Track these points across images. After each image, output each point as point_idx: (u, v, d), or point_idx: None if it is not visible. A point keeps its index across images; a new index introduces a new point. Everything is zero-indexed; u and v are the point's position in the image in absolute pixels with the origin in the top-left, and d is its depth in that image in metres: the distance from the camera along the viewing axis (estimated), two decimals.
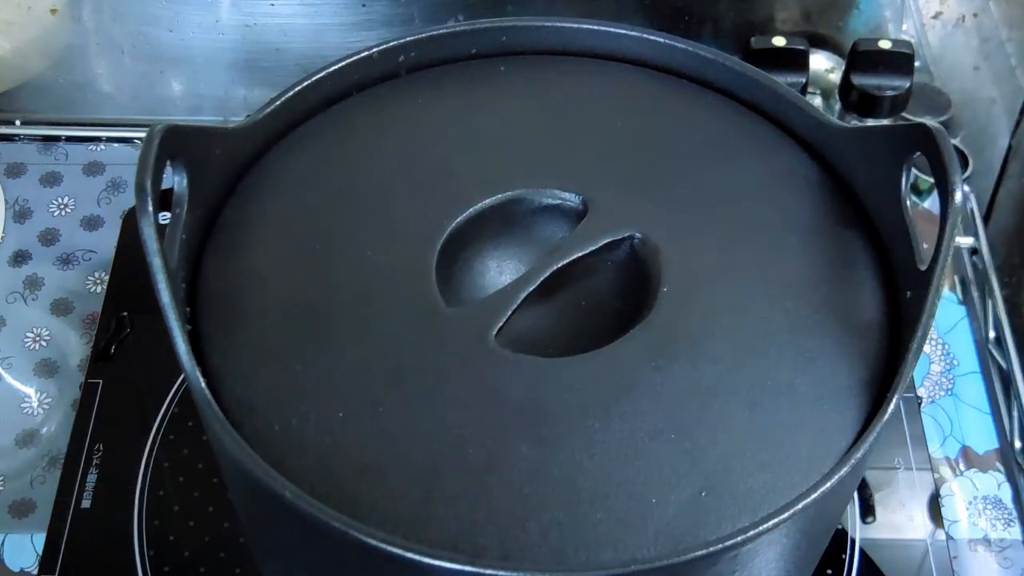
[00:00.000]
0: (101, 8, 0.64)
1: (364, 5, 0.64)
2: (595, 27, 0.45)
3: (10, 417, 0.56)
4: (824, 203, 0.41)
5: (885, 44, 0.62)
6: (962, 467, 0.55)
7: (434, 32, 0.44)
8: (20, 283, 0.61)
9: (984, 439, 0.56)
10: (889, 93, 0.62)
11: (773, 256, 0.39)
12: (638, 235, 0.39)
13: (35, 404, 0.56)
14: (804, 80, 0.63)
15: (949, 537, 0.52)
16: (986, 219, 0.64)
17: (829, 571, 0.50)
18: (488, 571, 0.31)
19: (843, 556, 0.50)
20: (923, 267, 0.36)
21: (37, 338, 0.59)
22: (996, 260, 0.62)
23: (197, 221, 0.38)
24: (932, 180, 0.38)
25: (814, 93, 0.66)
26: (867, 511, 0.52)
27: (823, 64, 0.67)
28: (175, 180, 0.36)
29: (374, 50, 0.43)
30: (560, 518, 0.33)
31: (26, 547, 0.51)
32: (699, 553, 0.31)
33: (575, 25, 0.45)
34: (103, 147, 0.67)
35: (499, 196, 0.40)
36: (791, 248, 0.39)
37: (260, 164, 0.41)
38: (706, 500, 0.33)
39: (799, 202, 0.41)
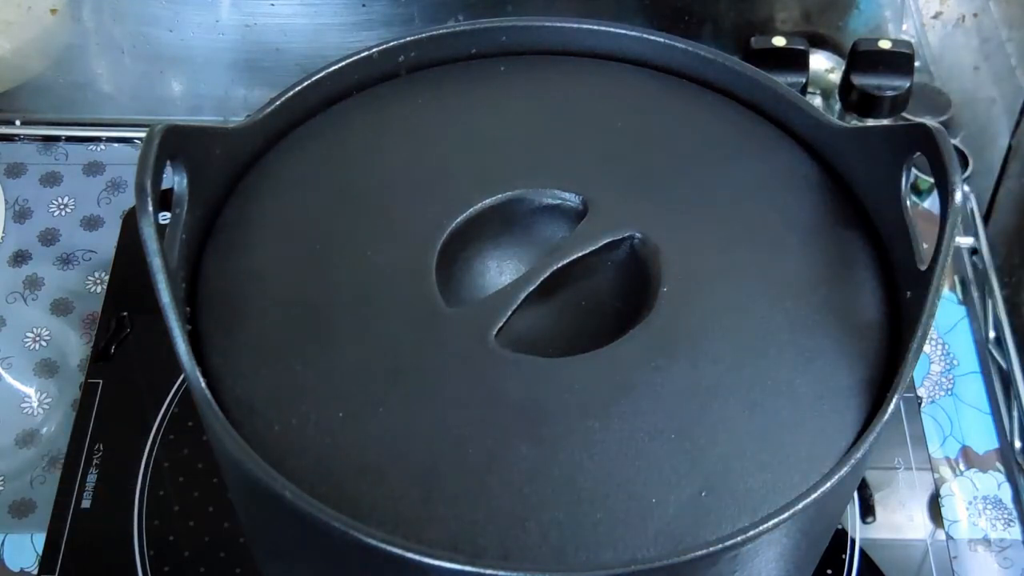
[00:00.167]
0: (101, 8, 0.64)
1: (364, 5, 0.64)
2: (595, 27, 0.45)
3: (10, 417, 0.56)
4: (824, 203, 0.41)
5: (885, 44, 0.62)
6: (962, 467, 0.55)
7: (434, 32, 0.44)
8: (20, 283, 0.61)
9: (984, 439, 0.56)
10: (889, 93, 0.62)
11: (773, 256, 0.39)
12: (638, 235, 0.39)
13: (35, 404, 0.56)
14: (804, 80, 0.63)
15: (949, 537, 0.52)
16: (986, 219, 0.64)
17: (829, 571, 0.50)
18: (488, 571, 0.31)
19: (843, 556, 0.50)
20: (923, 267, 0.36)
21: (37, 338, 0.59)
22: (996, 260, 0.62)
23: (197, 221, 0.38)
24: (932, 180, 0.38)
25: (814, 93, 0.66)
26: (867, 511, 0.52)
27: (823, 64, 0.67)
28: (175, 180, 0.36)
29: (374, 50, 0.43)
30: (560, 518, 0.33)
31: (26, 547, 0.51)
32: (699, 553, 0.31)
33: (575, 25, 0.45)
34: (103, 147, 0.67)
35: (499, 196, 0.40)
36: (791, 248, 0.39)
37: (260, 164, 0.41)
38: (706, 500, 0.33)
39: (799, 202, 0.41)
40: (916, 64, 0.63)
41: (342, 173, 0.41)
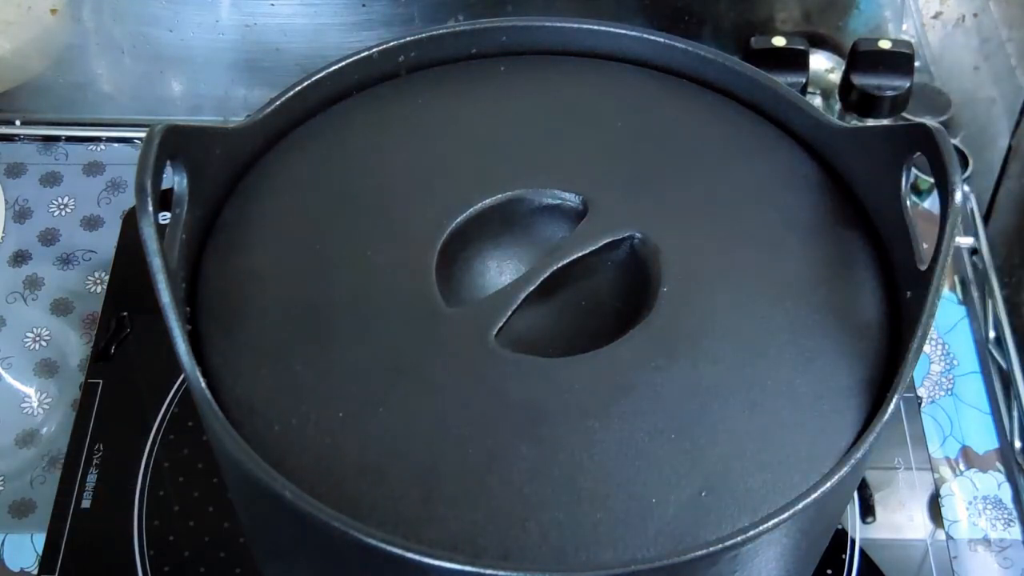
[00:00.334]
0: (101, 8, 0.64)
1: (364, 5, 0.64)
2: (595, 27, 0.45)
3: (10, 417, 0.56)
4: (824, 203, 0.41)
5: (885, 44, 0.62)
6: (962, 467, 0.55)
7: (434, 32, 0.44)
8: (20, 283, 0.61)
9: (984, 439, 0.56)
10: (889, 93, 0.62)
11: (773, 256, 0.39)
12: (638, 235, 0.39)
13: (35, 404, 0.56)
14: (804, 80, 0.63)
15: (949, 537, 0.52)
16: (986, 219, 0.64)
17: (829, 571, 0.50)
18: (488, 571, 0.31)
19: (843, 556, 0.50)
20: (923, 267, 0.36)
21: (37, 338, 0.59)
22: (996, 260, 0.62)
23: (197, 221, 0.38)
24: (932, 180, 0.38)
25: (814, 93, 0.66)
26: (867, 511, 0.52)
27: (823, 64, 0.67)
28: (175, 180, 0.36)
29: (374, 50, 0.43)
30: (560, 518, 0.33)
31: (26, 547, 0.51)
32: (699, 553, 0.31)
33: (575, 25, 0.45)
34: (103, 147, 0.67)
35: (499, 196, 0.40)
36: (791, 248, 0.39)
37: (260, 164, 0.41)
38: (706, 500, 0.33)
39: (799, 202, 0.41)
40: (916, 64, 0.63)
41: (342, 173, 0.41)
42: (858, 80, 0.62)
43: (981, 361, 0.59)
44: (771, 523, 0.32)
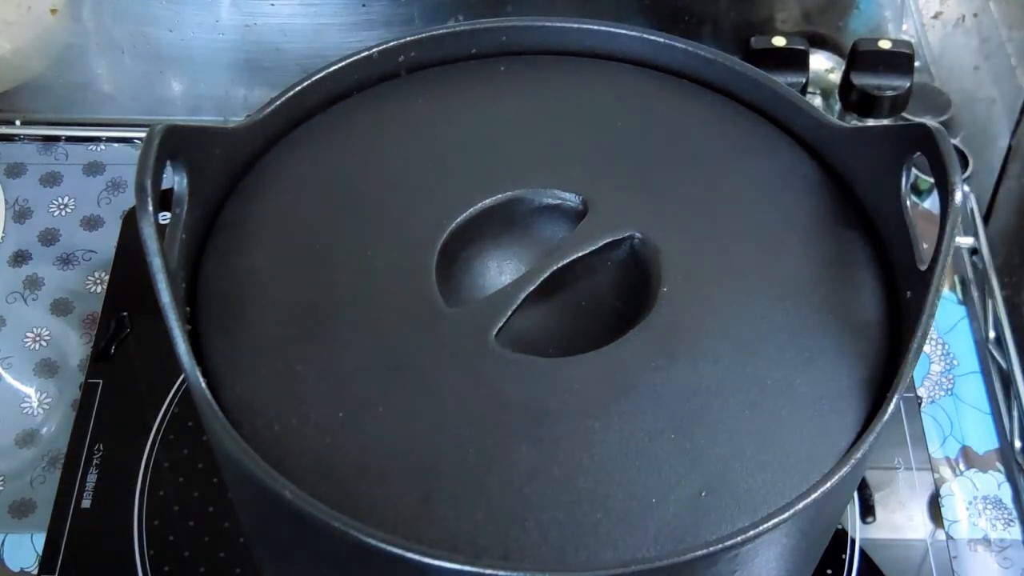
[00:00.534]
0: (101, 8, 0.64)
1: (364, 5, 0.64)
2: (595, 27, 0.45)
3: (10, 417, 0.56)
4: (824, 203, 0.41)
5: (885, 44, 0.62)
6: (962, 467, 0.55)
7: (434, 32, 0.44)
8: (20, 283, 0.61)
9: (984, 439, 0.56)
10: (889, 93, 0.62)
11: (773, 256, 0.39)
12: (638, 235, 0.39)
13: (35, 404, 0.56)
14: (804, 80, 0.63)
15: (949, 537, 0.52)
16: (986, 219, 0.64)
17: (829, 571, 0.50)
18: (488, 571, 0.31)
19: (843, 556, 0.50)
20: (923, 267, 0.36)
21: (37, 338, 0.59)
22: (996, 260, 0.62)
23: (197, 221, 0.38)
24: (932, 180, 0.38)
25: (814, 93, 0.66)
26: (867, 511, 0.52)
27: (823, 64, 0.67)
28: (175, 180, 0.36)
29: (374, 50, 0.43)
30: (560, 518, 0.32)
31: (26, 547, 0.51)
32: (699, 553, 0.31)
33: (575, 25, 0.45)
34: (103, 147, 0.67)
35: (499, 196, 0.40)
36: (791, 248, 0.39)
37: (260, 164, 0.41)
38: (706, 500, 0.33)
39: (799, 202, 0.41)
40: (916, 64, 0.63)
41: (342, 173, 0.41)
42: (858, 80, 0.62)
43: (981, 361, 0.59)
44: (771, 523, 0.32)
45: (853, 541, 0.51)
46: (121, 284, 0.59)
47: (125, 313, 0.58)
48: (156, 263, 0.33)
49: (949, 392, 0.58)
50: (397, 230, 0.39)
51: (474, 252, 0.40)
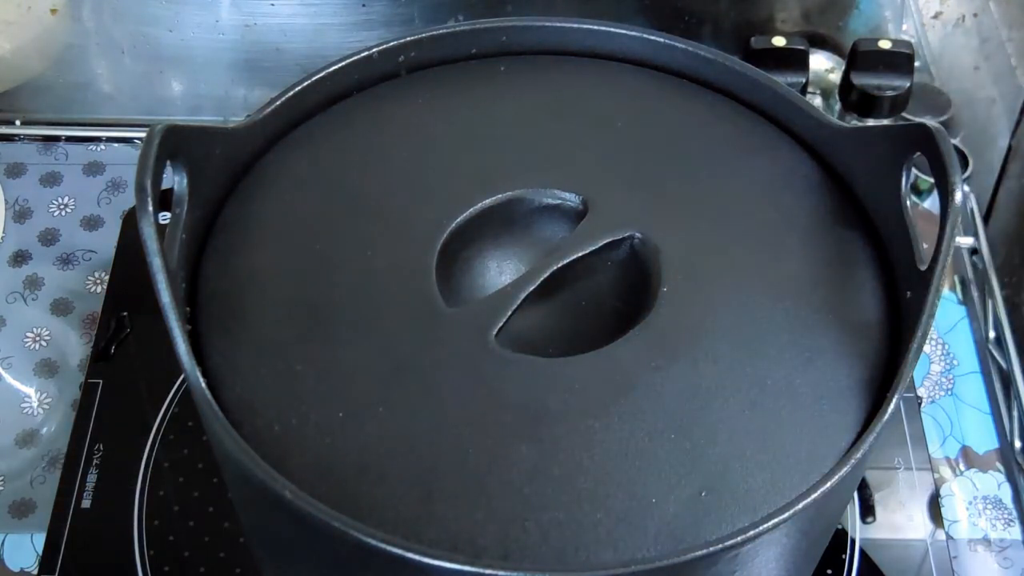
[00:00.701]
0: (101, 8, 0.64)
1: (364, 5, 0.64)
2: (595, 27, 0.45)
3: (10, 417, 0.56)
4: (824, 203, 0.41)
5: (885, 44, 0.62)
6: (962, 467, 0.55)
7: (434, 32, 0.44)
8: (20, 283, 0.61)
9: (984, 439, 0.56)
10: (889, 93, 0.62)
11: (773, 256, 0.39)
12: (638, 235, 0.39)
13: (35, 404, 0.56)
14: (804, 80, 0.63)
15: (949, 537, 0.52)
16: (986, 219, 0.64)
17: (829, 571, 0.50)
18: (488, 571, 0.31)
19: (843, 556, 0.50)
20: (923, 267, 0.36)
21: (37, 338, 0.59)
22: (996, 260, 0.62)
23: (197, 221, 0.38)
24: (932, 180, 0.38)
25: (814, 93, 0.66)
26: (867, 511, 0.52)
27: (823, 64, 0.67)
28: (175, 180, 0.36)
29: (374, 50, 0.43)
30: (560, 518, 0.33)
31: (26, 547, 0.51)
32: (699, 553, 0.31)
33: (575, 25, 0.45)
34: (103, 147, 0.67)
35: (499, 196, 0.40)
36: (791, 248, 0.39)
37: (260, 164, 0.41)
38: (706, 500, 0.33)
39: (799, 202, 0.41)
40: (916, 64, 0.63)
41: (342, 173, 0.41)
42: (858, 80, 0.62)
43: (981, 361, 0.59)
44: (771, 523, 0.32)
45: (853, 541, 0.51)
46: (121, 284, 0.59)
47: (125, 313, 0.58)
48: (156, 263, 0.33)
49: (949, 392, 0.58)
50: (397, 230, 0.39)
51: (474, 252, 0.40)
